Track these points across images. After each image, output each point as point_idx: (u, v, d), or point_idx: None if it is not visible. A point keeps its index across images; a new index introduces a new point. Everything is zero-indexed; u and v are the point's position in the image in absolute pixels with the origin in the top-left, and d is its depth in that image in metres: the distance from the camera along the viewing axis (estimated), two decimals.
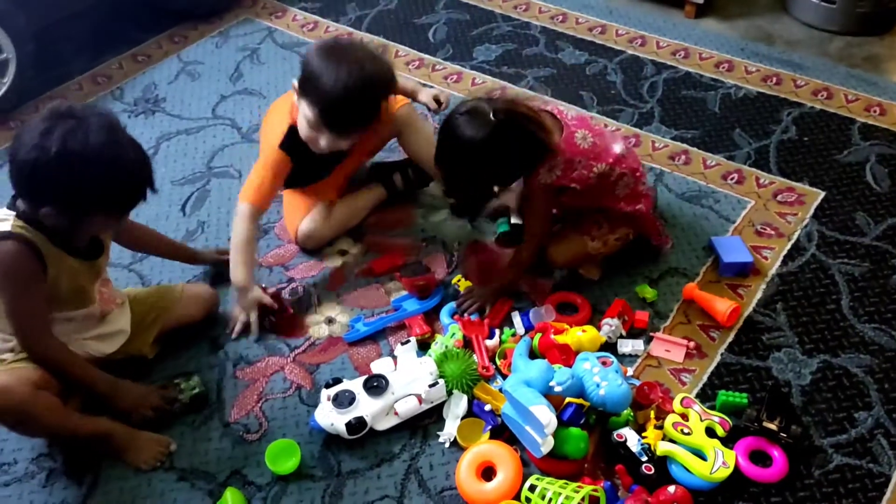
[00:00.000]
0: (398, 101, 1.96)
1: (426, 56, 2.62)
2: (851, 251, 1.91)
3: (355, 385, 1.57)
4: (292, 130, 1.80)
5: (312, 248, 1.96)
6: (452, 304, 1.79)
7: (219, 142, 2.30)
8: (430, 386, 1.54)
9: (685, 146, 2.23)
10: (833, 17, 2.65)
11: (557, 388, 1.49)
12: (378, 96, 1.74)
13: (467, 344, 1.69)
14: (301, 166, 1.85)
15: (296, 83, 1.74)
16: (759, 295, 1.81)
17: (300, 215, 1.94)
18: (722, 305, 1.73)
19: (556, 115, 1.73)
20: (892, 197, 2.04)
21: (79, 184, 1.32)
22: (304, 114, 1.72)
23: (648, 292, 1.80)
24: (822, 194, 2.06)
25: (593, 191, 1.73)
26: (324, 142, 1.74)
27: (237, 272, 1.76)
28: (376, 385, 1.55)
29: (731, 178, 2.12)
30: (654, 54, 2.59)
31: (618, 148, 1.75)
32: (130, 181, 1.39)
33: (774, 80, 2.46)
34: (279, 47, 2.68)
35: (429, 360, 1.59)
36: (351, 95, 1.65)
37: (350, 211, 2.00)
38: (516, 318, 1.76)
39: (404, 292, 1.84)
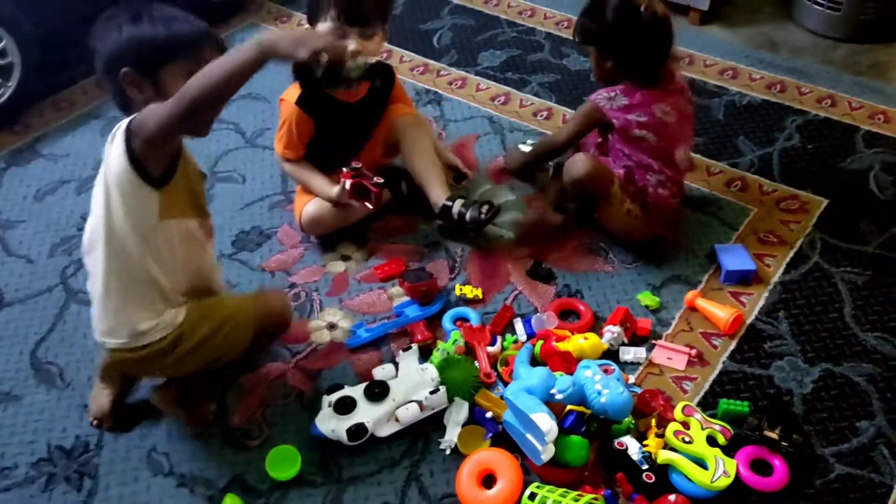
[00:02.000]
0: (400, 110, 1.97)
1: (431, 61, 2.63)
2: (854, 259, 1.90)
3: (356, 391, 1.57)
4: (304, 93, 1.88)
5: (316, 233, 1.97)
6: (455, 311, 1.79)
7: (222, 146, 2.31)
8: (432, 393, 1.54)
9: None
10: (838, 24, 2.65)
11: (559, 396, 1.49)
12: None
13: (469, 350, 1.69)
14: (323, 134, 1.92)
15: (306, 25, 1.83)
16: (761, 303, 1.81)
17: (308, 199, 1.95)
18: (724, 314, 1.73)
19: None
20: None
21: (146, 36, 1.37)
22: (328, 32, 1.74)
23: (651, 300, 1.80)
24: (826, 202, 2.05)
25: (626, 147, 1.83)
26: (352, 45, 1.66)
27: (322, 187, 1.89)
28: (377, 391, 1.55)
29: (735, 186, 2.12)
30: None
31: (680, 153, 1.86)
32: (187, 22, 1.42)
33: (779, 87, 2.46)
34: None
35: (430, 367, 1.59)
36: None
37: (352, 213, 1.99)
38: (518, 325, 1.76)
39: (407, 298, 1.85)
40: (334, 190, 1.87)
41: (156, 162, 1.34)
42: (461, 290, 1.84)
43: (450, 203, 1.91)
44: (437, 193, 1.93)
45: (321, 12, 1.77)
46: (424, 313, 1.79)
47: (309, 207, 1.94)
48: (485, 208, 1.88)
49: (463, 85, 2.52)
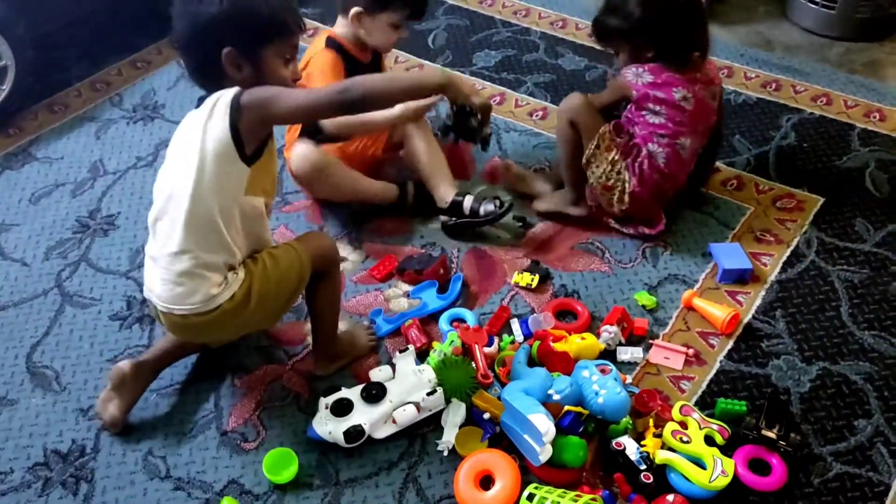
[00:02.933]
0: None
1: (426, 62, 2.62)
2: (851, 258, 1.90)
3: (353, 393, 1.56)
4: (330, 39, 1.96)
5: (304, 174, 1.93)
6: (451, 311, 1.78)
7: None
8: (429, 394, 1.53)
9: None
10: (832, 22, 2.65)
11: (556, 397, 1.49)
12: None
13: (466, 351, 1.69)
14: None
15: (358, 9, 1.90)
16: (758, 302, 1.81)
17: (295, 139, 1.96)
18: (721, 313, 1.73)
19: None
20: (892, 203, 2.04)
21: (250, 12, 1.40)
22: (388, 22, 1.92)
23: (647, 299, 1.80)
24: (822, 200, 2.06)
25: (635, 113, 1.88)
26: (405, 33, 2.00)
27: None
28: (374, 393, 1.55)
29: (731, 185, 2.12)
30: None
31: (688, 142, 1.88)
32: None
33: (774, 85, 2.46)
34: None
35: (427, 369, 1.58)
36: None
37: (356, 178, 1.98)
38: (515, 326, 1.76)
39: (402, 299, 1.84)
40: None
41: (253, 140, 1.39)
42: (519, 277, 1.85)
43: (460, 198, 1.95)
44: (446, 189, 1.99)
45: (391, 5, 1.91)
46: (445, 300, 1.80)
47: (301, 147, 1.91)
48: (497, 202, 1.93)
49: None
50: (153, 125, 2.40)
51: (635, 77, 1.86)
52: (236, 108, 1.35)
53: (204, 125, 1.37)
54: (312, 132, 1.90)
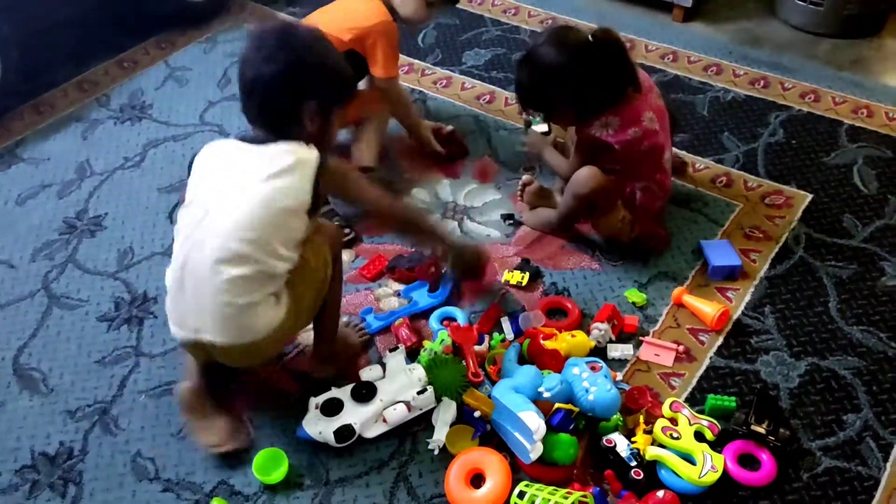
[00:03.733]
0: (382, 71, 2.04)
1: (416, 61, 2.62)
2: (839, 254, 1.91)
3: (343, 393, 1.56)
4: (389, 8, 2.01)
5: None
6: (442, 310, 1.78)
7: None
8: (419, 393, 1.53)
9: (674, 150, 2.22)
10: (820, 19, 2.66)
11: (546, 395, 1.49)
12: None
13: (456, 350, 1.68)
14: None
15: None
16: (747, 298, 1.81)
17: None
18: (711, 309, 1.73)
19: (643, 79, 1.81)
20: (880, 199, 2.05)
21: (339, 72, 1.49)
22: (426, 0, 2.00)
23: (637, 297, 1.80)
24: (810, 197, 2.06)
25: (626, 160, 1.79)
26: (439, 12, 2.14)
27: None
28: (364, 392, 1.54)
29: (720, 182, 2.12)
30: (643, 58, 2.59)
31: (668, 153, 1.86)
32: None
33: (762, 83, 2.47)
34: None
35: (418, 368, 1.58)
36: None
37: None
38: (505, 324, 1.76)
39: (392, 298, 1.84)
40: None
41: (321, 201, 1.50)
42: (510, 275, 1.85)
43: None
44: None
45: None
46: (436, 299, 1.81)
47: None
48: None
49: (448, 84, 2.51)
50: (140, 125, 2.38)
51: (603, 130, 1.74)
52: (321, 174, 1.41)
53: (269, 178, 1.38)
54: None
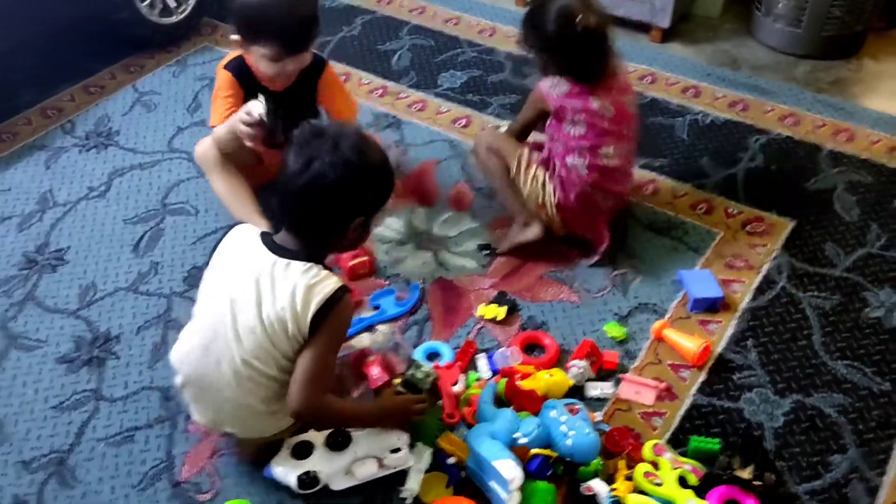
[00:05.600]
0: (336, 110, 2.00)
1: (390, 83, 2.57)
2: (822, 284, 1.87)
3: (318, 437, 1.49)
4: (240, 60, 1.87)
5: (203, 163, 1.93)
6: (428, 345, 1.72)
7: (174, 177, 2.22)
8: (394, 451, 1.45)
9: (653, 174, 2.19)
10: (799, 41, 2.64)
11: (522, 440, 1.43)
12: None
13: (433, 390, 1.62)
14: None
15: (236, 37, 1.80)
16: (729, 331, 1.77)
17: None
18: (692, 345, 1.68)
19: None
20: (861, 226, 2.02)
21: (381, 189, 1.40)
22: (262, 55, 1.79)
23: (617, 331, 1.75)
24: (792, 224, 2.03)
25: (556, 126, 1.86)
26: (291, 66, 1.83)
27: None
28: (340, 440, 1.47)
29: (700, 209, 2.08)
30: None
31: (612, 150, 1.84)
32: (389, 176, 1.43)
33: (741, 106, 2.44)
34: None
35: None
36: (302, 10, 1.78)
37: (239, 196, 1.91)
38: (481, 361, 1.70)
39: (382, 288, 1.84)
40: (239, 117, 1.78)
41: None
42: (486, 309, 1.79)
43: None
44: None
45: (261, 37, 1.78)
46: (403, 307, 1.79)
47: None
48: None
49: (423, 108, 2.46)
50: (107, 153, 2.30)
51: (551, 88, 1.84)
52: (326, 311, 1.32)
53: (284, 310, 1.32)
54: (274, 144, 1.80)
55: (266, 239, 1.39)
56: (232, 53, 1.92)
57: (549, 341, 1.73)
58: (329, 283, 1.33)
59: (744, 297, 1.84)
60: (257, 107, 1.73)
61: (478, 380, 1.66)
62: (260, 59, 1.81)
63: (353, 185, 1.32)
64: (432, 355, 1.72)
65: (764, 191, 2.13)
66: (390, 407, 1.50)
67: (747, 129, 2.35)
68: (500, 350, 1.70)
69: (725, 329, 1.77)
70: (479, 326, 1.79)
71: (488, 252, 1.97)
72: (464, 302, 1.85)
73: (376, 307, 1.82)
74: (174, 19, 2.70)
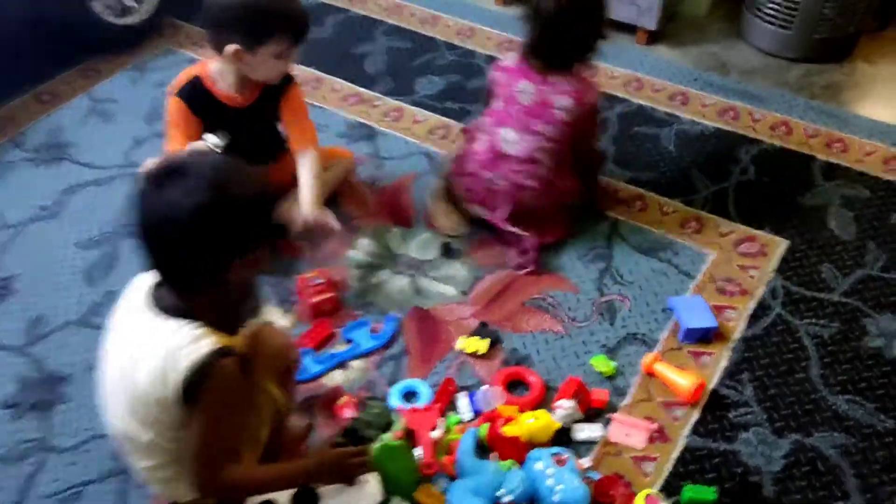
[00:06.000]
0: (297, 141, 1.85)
1: (364, 90, 2.43)
2: (819, 309, 1.78)
3: (285, 497, 1.37)
4: (194, 82, 1.77)
5: None
6: (405, 384, 1.61)
7: (132, 194, 2.07)
8: None
9: (640, 190, 2.08)
10: (790, 43, 2.54)
11: (507, 498, 1.33)
12: None
13: (409, 434, 1.51)
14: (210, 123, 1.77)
15: (234, 46, 1.67)
16: (723, 363, 1.67)
17: None
18: (686, 382, 1.58)
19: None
20: (859, 246, 1.93)
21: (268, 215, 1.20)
22: (270, 54, 1.71)
23: (605, 366, 1.65)
24: (786, 244, 1.93)
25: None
26: (293, 58, 1.79)
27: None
28: (307, 501, 1.35)
29: (690, 227, 1.98)
30: (606, 85, 2.43)
31: (512, 135, 1.82)
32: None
33: (731, 113, 2.33)
34: None
35: (371, 481, 1.37)
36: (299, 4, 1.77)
37: None
38: (462, 401, 1.59)
39: (356, 320, 1.71)
40: None
41: None
42: (467, 342, 1.68)
43: None
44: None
45: (272, 35, 1.69)
46: (378, 340, 1.69)
47: None
48: None
49: (399, 117, 2.33)
50: (59, 168, 2.15)
51: (504, 58, 1.86)
52: (195, 385, 1.12)
53: (154, 382, 1.13)
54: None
55: (152, 290, 1.18)
56: (183, 76, 1.79)
57: (534, 378, 1.62)
58: (201, 346, 1.11)
59: (738, 325, 1.74)
60: (211, 139, 1.62)
61: (459, 423, 1.54)
62: (264, 63, 1.72)
63: (211, 225, 1.09)
64: (409, 395, 1.61)
65: (756, 207, 2.03)
66: (326, 462, 1.32)
67: (738, 139, 2.24)
68: (481, 389, 1.59)
69: (719, 361, 1.67)
70: (459, 361, 1.68)
71: (452, 252, 1.89)
72: (443, 333, 1.74)
73: (349, 341, 1.71)
74: (133, 20, 2.53)
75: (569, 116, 1.79)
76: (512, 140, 1.81)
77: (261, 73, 1.75)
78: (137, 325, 1.17)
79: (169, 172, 1.10)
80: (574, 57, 1.80)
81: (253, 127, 1.83)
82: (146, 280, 1.21)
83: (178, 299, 1.15)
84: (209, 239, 1.11)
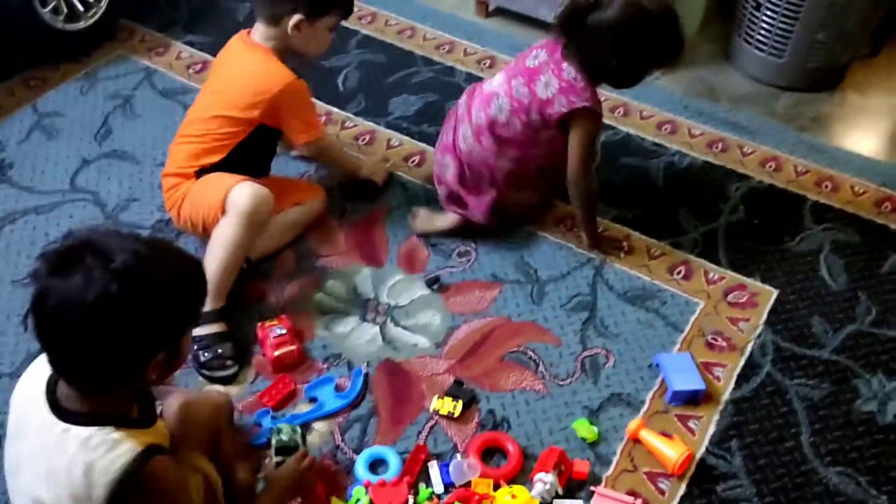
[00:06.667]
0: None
1: (335, 109, 2.27)
2: (809, 368, 1.70)
3: None
4: (284, 63, 1.74)
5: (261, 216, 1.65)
6: (371, 451, 1.49)
7: (76, 223, 1.89)
8: None
9: (627, 230, 1.97)
10: (781, 72, 2.44)
11: None
12: None
13: None
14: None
15: (299, 16, 1.68)
16: (711, 429, 1.58)
17: (233, 181, 1.65)
18: (673, 453, 1.49)
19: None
20: (849, 297, 1.85)
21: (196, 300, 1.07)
22: (326, 26, 1.76)
23: (588, 431, 1.54)
24: (775, 293, 1.84)
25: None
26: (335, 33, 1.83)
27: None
28: None
29: (678, 273, 1.88)
30: None
31: (465, 131, 1.83)
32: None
33: (720, 146, 2.23)
34: (159, 95, 2.27)
35: None
36: None
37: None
38: (433, 470, 1.47)
39: (319, 377, 1.61)
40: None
41: None
42: (440, 402, 1.56)
43: None
44: None
45: (332, 8, 1.75)
46: (345, 399, 1.57)
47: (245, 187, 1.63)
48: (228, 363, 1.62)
49: (371, 140, 2.18)
50: None
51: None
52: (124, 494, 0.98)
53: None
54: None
55: (50, 390, 1.03)
56: (274, 61, 1.71)
57: (512, 447, 1.50)
58: (119, 452, 0.98)
59: (726, 385, 1.65)
60: None
61: (430, 497, 1.43)
62: (317, 34, 1.76)
63: (119, 318, 0.93)
64: (376, 463, 1.49)
65: (746, 251, 1.94)
66: (283, 481, 1.35)
67: (727, 175, 2.14)
68: (455, 461, 1.47)
69: (707, 426, 1.58)
70: (431, 424, 1.56)
71: (437, 286, 1.79)
72: (414, 391, 1.62)
73: (312, 400, 1.58)
74: (82, 24, 2.33)
75: (539, 130, 1.76)
76: (464, 135, 1.82)
77: (313, 47, 1.78)
78: (41, 436, 1.00)
79: (70, 252, 0.94)
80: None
81: None
82: (35, 378, 1.05)
83: (86, 403, 1.00)
84: (116, 336, 0.94)
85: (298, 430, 1.47)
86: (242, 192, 1.61)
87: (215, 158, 1.70)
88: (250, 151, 1.74)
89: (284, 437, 1.44)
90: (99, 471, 0.97)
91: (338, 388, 1.60)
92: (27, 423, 1.04)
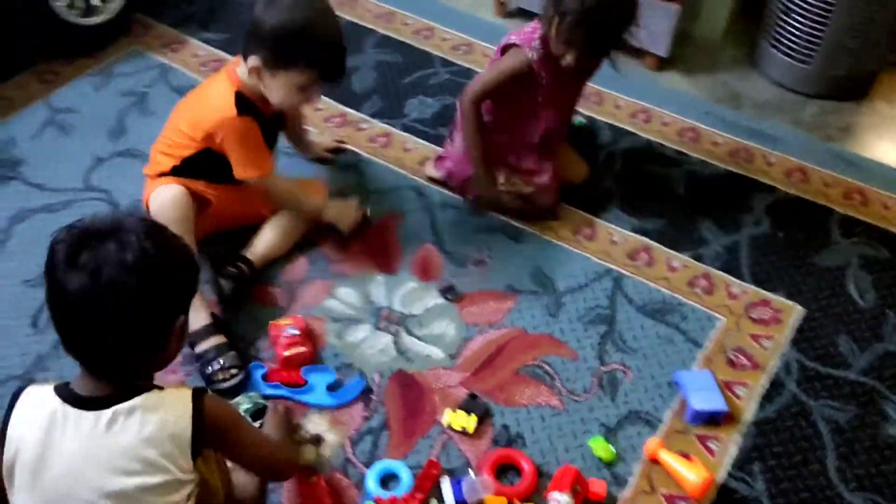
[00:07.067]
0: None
1: (349, 111, 2.23)
2: (835, 389, 1.64)
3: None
4: (239, 96, 1.61)
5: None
6: (383, 466, 1.44)
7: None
8: None
9: (647, 241, 1.92)
10: (806, 79, 2.38)
11: None
12: None
13: None
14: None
15: (256, 62, 1.56)
16: (733, 451, 1.53)
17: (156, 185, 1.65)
18: (694, 476, 1.44)
19: None
20: (877, 315, 1.79)
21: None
22: (291, 83, 1.58)
23: (605, 451, 1.50)
24: (801, 310, 1.79)
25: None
26: (316, 94, 1.68)
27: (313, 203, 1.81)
28: None
29: (699, 286, 1.83)
30: (612, 116, 2.27)
31: None
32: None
33: (744, 155, 2.18)
34: (173, 92, 2.23)
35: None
36: (341, 33, 1.62)
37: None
38: (445, 486, 1.43)
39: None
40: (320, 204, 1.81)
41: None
42: (453, 416, 1.53)
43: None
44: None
45: (298, 62, 1.56)
46: (334, 399, 1.55)
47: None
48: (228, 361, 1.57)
49: (387, 143, 2.14)
50: (7, 189, 1.93)
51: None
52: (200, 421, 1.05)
53: (131, 474, 1.02)
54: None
55: (68, 396, 1.03)
56: (223, 94, 1.61)
57: (527, 465, 1.46)
58: (176, 399, 1.05)
59: (749, 405, 1.60)
60: None
61: None
62: (281, 88, 1.59)
63: (165, 278, 1.02)
64: (387, 478, 1.45)
65: (770, 265, 1.88)
66: (272, 430, 1.40)
67: (751, 185, 2.09)
68: (468, 478, 1.43)
69: (728, 447, 1.53)
70: (443, 439, 1.52)
71: (451, 296, 1.75)
72: (427, 404, 1.58)
73: (305, 381, 1.57)
74: (98, 19, 2.30)
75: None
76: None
77: (275, 98, 1.62)
78: (88, 436, 1.01)
79: (84, 238, 0.98)
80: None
81: (275, 134, 1.80)
82: (32, 399, 1.05)
83: (108, 387, 1.03)
84: (157, 293, 1.01)
85: (252, 394, 1.51)
86: (153, 198, 1.62)
87: (168, 166, 1.67)
88: (203, 164, 1.67)
89: (248, 405, 1.48)
90: (172, 422, 1.03)
91: (332, 388, 1.56)
92: (54, 441, 1.01)
